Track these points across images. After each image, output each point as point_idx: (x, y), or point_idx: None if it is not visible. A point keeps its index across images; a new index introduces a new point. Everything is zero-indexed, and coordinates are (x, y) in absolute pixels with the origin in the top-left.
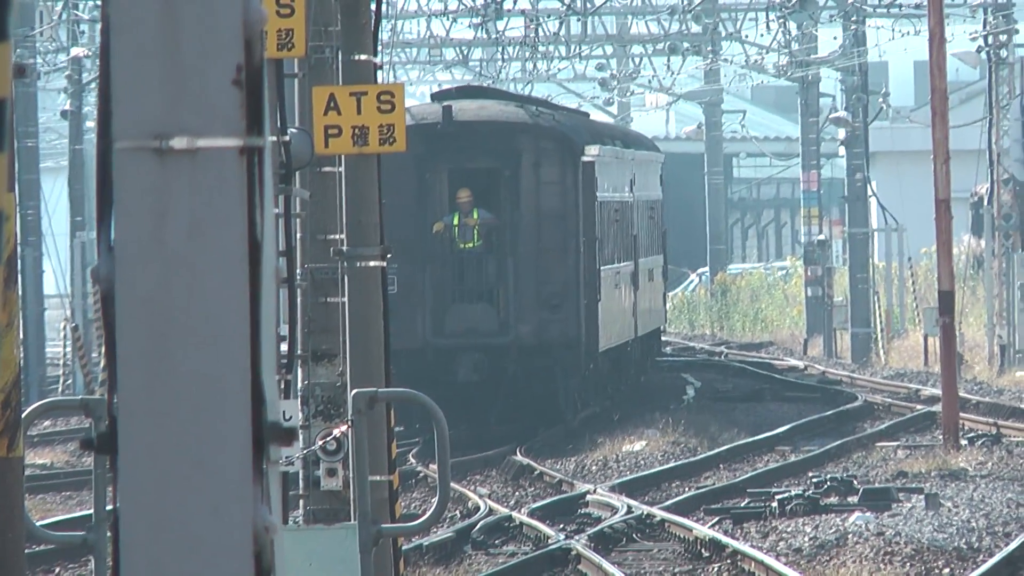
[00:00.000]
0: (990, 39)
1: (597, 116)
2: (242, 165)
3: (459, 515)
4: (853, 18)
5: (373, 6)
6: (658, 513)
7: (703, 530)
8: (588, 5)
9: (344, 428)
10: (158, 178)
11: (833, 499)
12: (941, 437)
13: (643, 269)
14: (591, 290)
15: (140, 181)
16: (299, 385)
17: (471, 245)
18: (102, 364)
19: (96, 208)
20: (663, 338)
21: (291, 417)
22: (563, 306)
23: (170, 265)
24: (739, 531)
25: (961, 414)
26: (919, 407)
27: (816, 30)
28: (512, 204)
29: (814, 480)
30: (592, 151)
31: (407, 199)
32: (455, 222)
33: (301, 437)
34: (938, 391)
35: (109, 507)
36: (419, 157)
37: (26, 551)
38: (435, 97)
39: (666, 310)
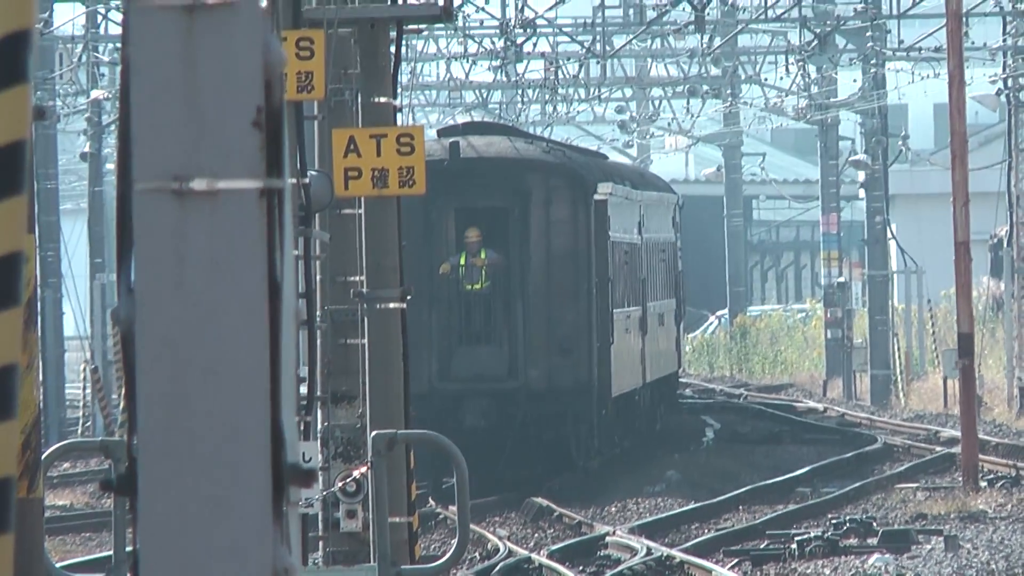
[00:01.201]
0: (1010, 82)
1: (616, 159)
2: (262, 207)
3: (479, 557)
4: (872, 61)
5: (392, 49)
6: (678, 555)
7: (723, 572)
8: (608, 48)
9: (364, 470)
10: (178, 219)
11: (852, 541)
12: (960, 479)
13: (653, 313)
14: (604, 333)
15: (160, 222)
16: (319, 427)
17: (478, 287)
18: (122, 406)
19: (116, 249)
20: (682, 380)
21: (311, 459)
22: (575, 350)
23: (190, 306)
24: (758, 573)
25: (980, 456)
26: (938, 449)
27: (836, 73)
28: (521, 244)
29: (833, 522)
30: (604, 189)
31: (412, 239)
32: (462, 262)
33: (321, 479)
34: (957, 433)
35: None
36: (425, 195)
37: None
38: (441, 133)
39: (680, 353)
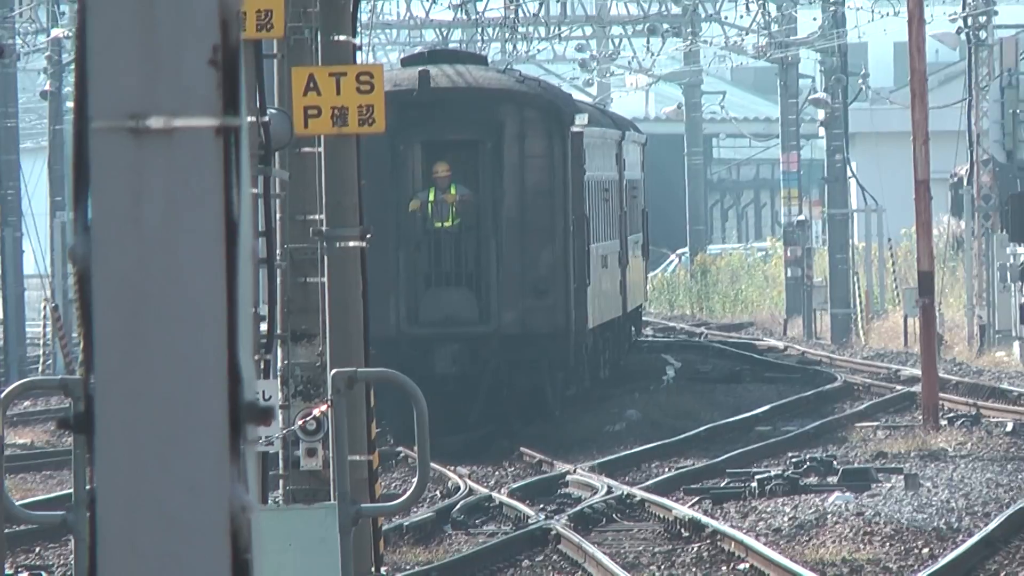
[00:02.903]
0: (970, 20)
1: (577, 97)
2: (219, 145)
3: (439, 495)
4: None
5: None
6: (638, 493)
7: (683, 510)
8: None
9: (324, 408)
10: (134, 158)
11: (813, 479)
12: (921, 418)
13: (630, 244)
14: (580, 274)
15: (116, 161)
16: (278, 365)
17: (448, 224)
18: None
19: (73, 188)
20: (643, 318)
21: (270, 397)
22: (550, 292)
23: (146, 245)
24: (719, 511)
25: (940, 394)
26: (899, 388)
27: (795, 11)
28: (494, 180)
29: (793, 460)
30: (581, 121)
31: (378, 174)
32: (431, 199)
33: (281, 417)
34: (918, 372)
35: (89, 487)
36: (392, 128)
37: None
38: (406, 62)
39: (647, 290)
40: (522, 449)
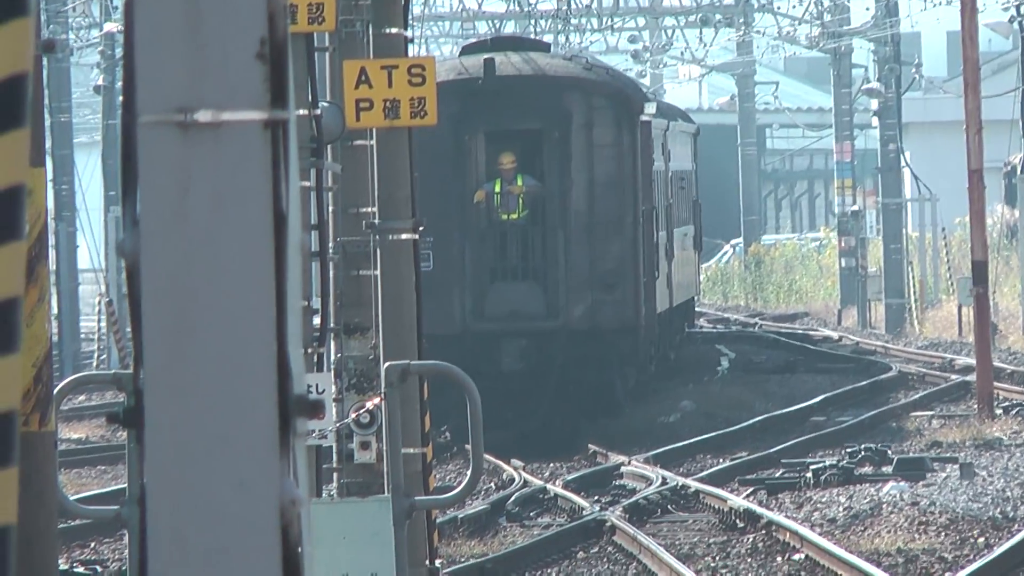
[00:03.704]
0: (1022, 9)
1: None
2: (266, 138)
3: (494, 487)
4: None
5: None
6: (693, 484)
7: (738, 501)
8: None
9: (377, 401)
10: (182, 152)
11: (867, 469)
12: (975, 407)
13: (677, 237)
14: (650, 267)
15: (164, 155)
16: (332, 358)
17: (515, 216)
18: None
19: (121, 183)
20: (696, 309)
21: (323, 391)
22: (619, 286)
23: (194, 239)
24: (773, 502)
25: (995, 384)
26: (953, 377)
27: (848, 1)
28: (561, 170)
29: (848, 450)
30: (650, 110)
31: (442, 165)
32: (496, 190)
33: (334, 410)
34: (972, 361)
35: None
36: (456, 117)
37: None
38: (467, 50)
39: (699, 281)
40: (581, 441)
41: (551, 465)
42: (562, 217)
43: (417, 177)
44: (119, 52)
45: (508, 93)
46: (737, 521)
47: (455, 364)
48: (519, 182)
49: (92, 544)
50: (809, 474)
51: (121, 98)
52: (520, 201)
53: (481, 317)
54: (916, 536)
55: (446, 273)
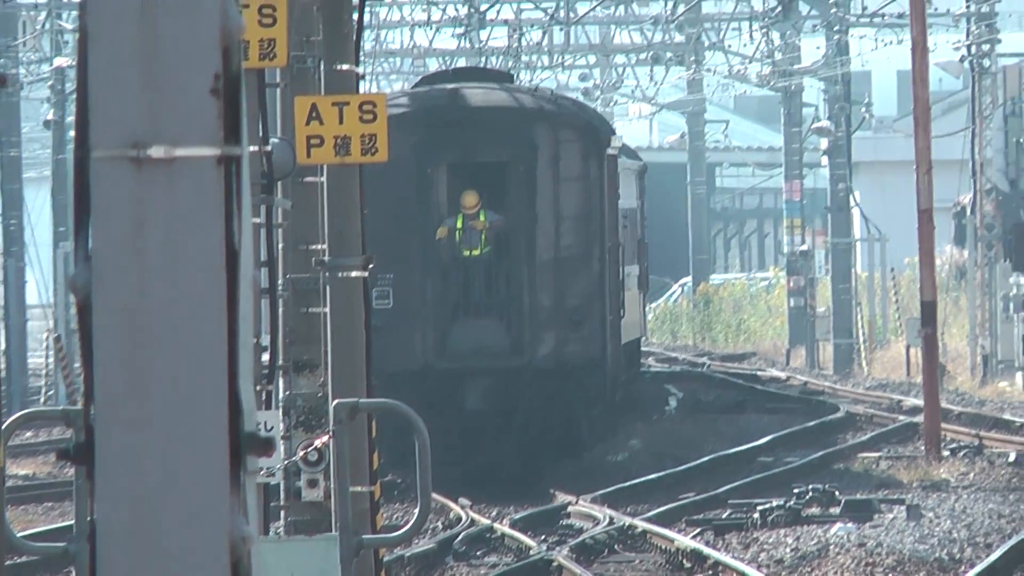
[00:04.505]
0: (973, 49)
1: None
2: (220, 174)
3: (441, 526)
4: (836, 28)
5: (355, 16)
6: (640, 524)
7: (685, 541)
8: (571, 15)
9: (325, 439)
10: (135, 187)
11: (815, 510)
12: (923, 448)
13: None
14: (616, 304)
15: (117, 190)
16: (280, 395)
17: (477, 252)
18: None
19: (74, 217)
20: (644, 349)
21: (272, 428)
22: (586, 323)
23: (147, 274)
24: (721, 542)
25: (943, 425)
26: (901, 418)
27: (799, 40)
28: (527, 204)
29: (796, 491)
30: (617, 143)
31: (404, 197)
32: (459, 225)
33: (283, 448)
34: (920, 402)
35: (91, 518)
36: (418, 148)
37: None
38: (427, 80)
39: (645, 321)
40: (541, 483)
41: (498, 504)
42: (527, 252)
43: (367, 213)
44: (69, 87)
45: (473, 124)
46: (684, 561)
47: (417, 403)
48: (482, 217)
49: None
50: (756, 515)
51: (74, 133)
52: (483, 236)
53: (443, 355)
54: None
55: (408, 310)
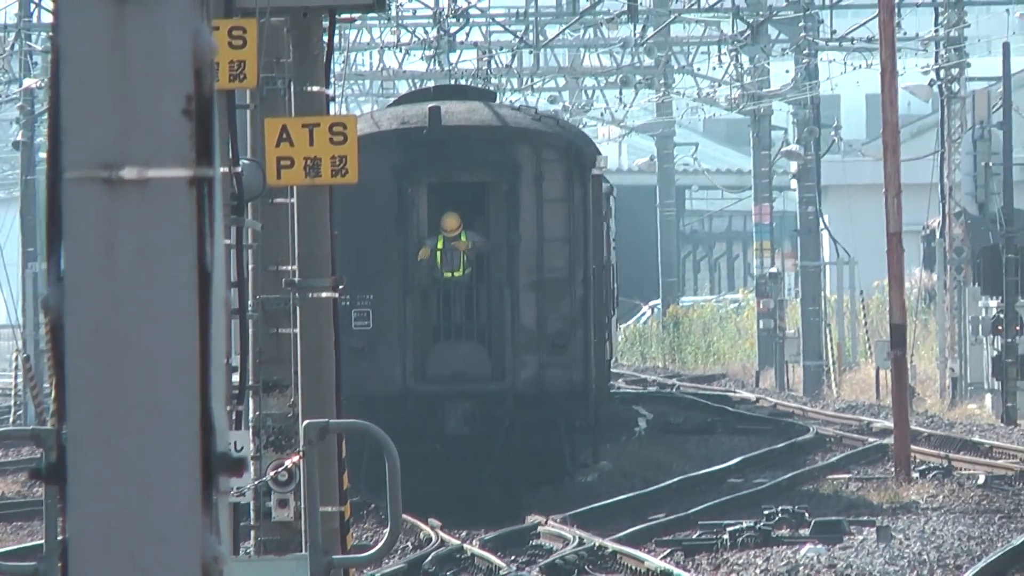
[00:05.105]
0: (942, 73)
1: None
2: (192, 195)
3: (411, 546)
4: (805, 51)
5: (325, 38)
6: (610, 545)
7: (655, 562)
8: (540, 38)
9: (295, 459)
10: (107, 208)
11: (784, 531)
12: (893, 470)
13: None
14: (600, 327)
15: (89, 211)
16: (250, 416)
17: (458, 274)
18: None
19: (46, 238)
20: (614, 370)
21: (242, 448)
22: (569, 346)
23: (119, 295)
24: (691, 563)
25: (912, 447)
26: (871, 440)
27: (768, 63)
28: (509, 225)
29: (765, 512)
30: (601, 164)
31: (383, 218)
32: (439, 246)
33: (252, 468)
34: (890, 424)
35: (60, 537)
36: (398, 168)
37: None
38: (407, 99)
39: (614, 343)
40: (519, 508)
41: (468, 525)
42: (509, 274)
43: (339, 234)
44: (38, 108)
45: (454, 144)
46: None
47: (396, 427)
48: (463, 238)
49: None
50: (726, 536)
51: (47, 154)
52: (464, 258)
53: (423, 378)
54: None
55: (387, 332)
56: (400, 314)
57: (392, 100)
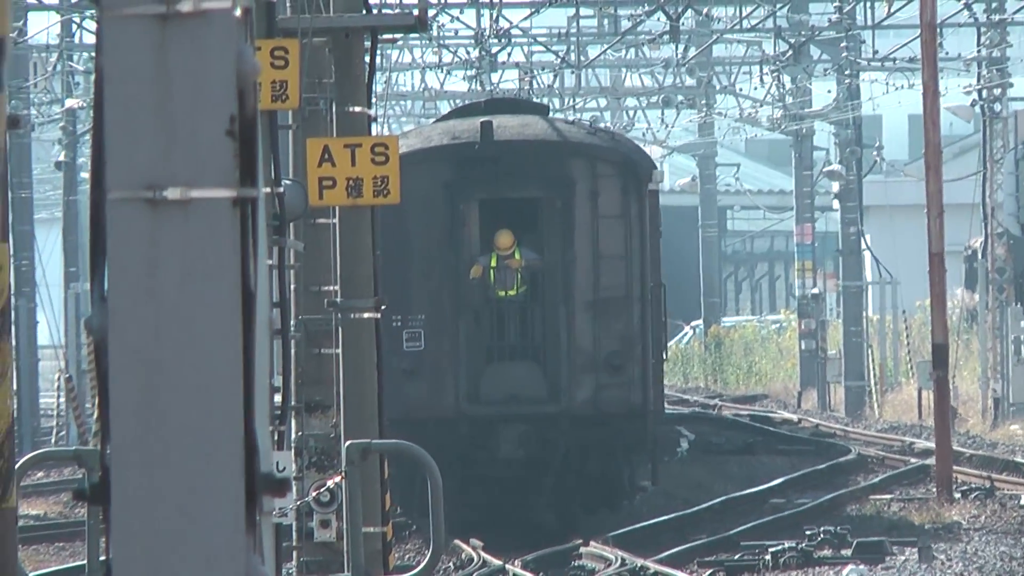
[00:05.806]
0: (984, 93)
1: None
2: (235, 216)
3: (452, 567)
4: (847, 71)
5: (367, 58)
6: (651, 566)
7: None
8: (582, 58)
9: (338, 479)
10: (151, 228)
11: (826, 552)
12: (935, 490)
13: None
14: (658, 347)
15: (133, 231)
16: (293, 436)
17: (512, 292)
18: (95, 415)
19: (90, 258)
20: None
21: (284, 468)
22: (626, 367)
23: (163, 315)
24: None
25: (955, 467)
26: (913, 460)
27: (810, 83)
28: (564, 242)
29: (807, 533)
30: (657, 179)
31: (434, 236)
32: (492, 264)
33: (294, 488)
34: (932, 444)
35: (102, 558)
36: (449, 185)
37: None
38: (458, 113)
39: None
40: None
41: (511, 545)
42: (564, 293)
43: (410, 243)
44: (81, 128)
45: (506, 159)
46: None
47: (449, 450)
48: (517, 256)
49: None
50: (768, 556)
51: (90, 174)
52: (518, 276)
53: (477, 400)
54: None
55: (439, 353)
56: (453, 334)
57: (436, 117)
